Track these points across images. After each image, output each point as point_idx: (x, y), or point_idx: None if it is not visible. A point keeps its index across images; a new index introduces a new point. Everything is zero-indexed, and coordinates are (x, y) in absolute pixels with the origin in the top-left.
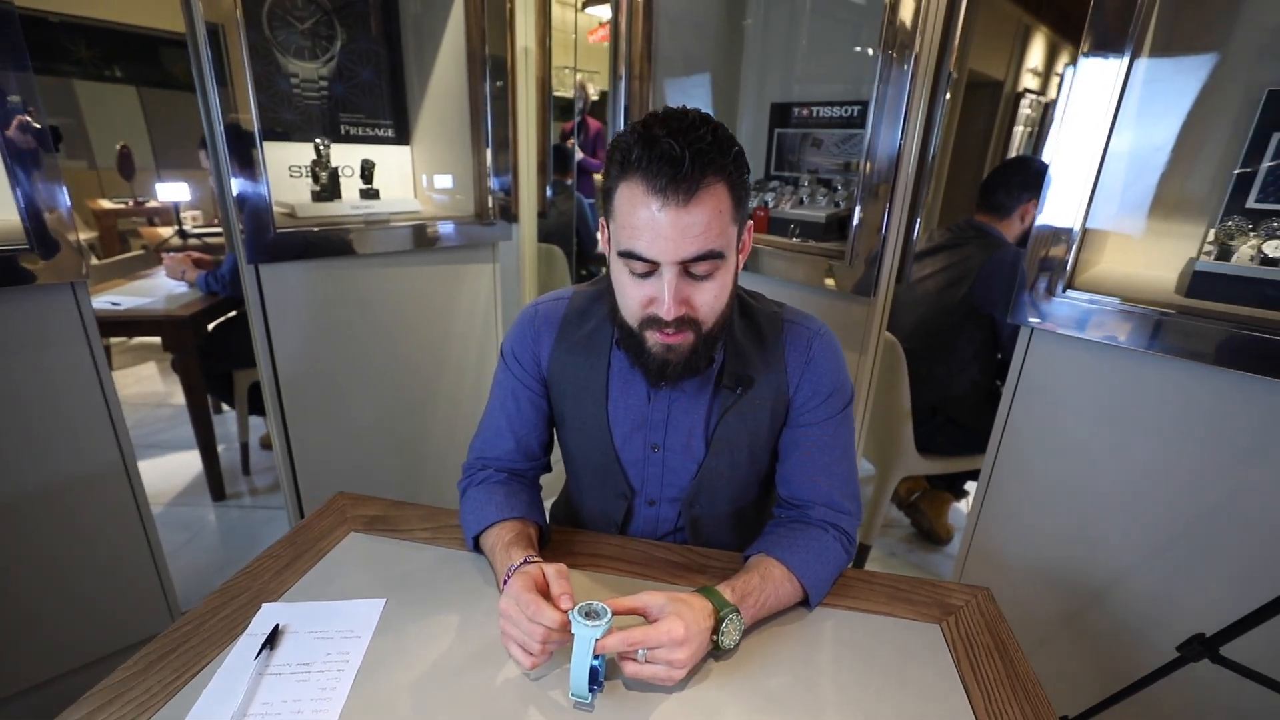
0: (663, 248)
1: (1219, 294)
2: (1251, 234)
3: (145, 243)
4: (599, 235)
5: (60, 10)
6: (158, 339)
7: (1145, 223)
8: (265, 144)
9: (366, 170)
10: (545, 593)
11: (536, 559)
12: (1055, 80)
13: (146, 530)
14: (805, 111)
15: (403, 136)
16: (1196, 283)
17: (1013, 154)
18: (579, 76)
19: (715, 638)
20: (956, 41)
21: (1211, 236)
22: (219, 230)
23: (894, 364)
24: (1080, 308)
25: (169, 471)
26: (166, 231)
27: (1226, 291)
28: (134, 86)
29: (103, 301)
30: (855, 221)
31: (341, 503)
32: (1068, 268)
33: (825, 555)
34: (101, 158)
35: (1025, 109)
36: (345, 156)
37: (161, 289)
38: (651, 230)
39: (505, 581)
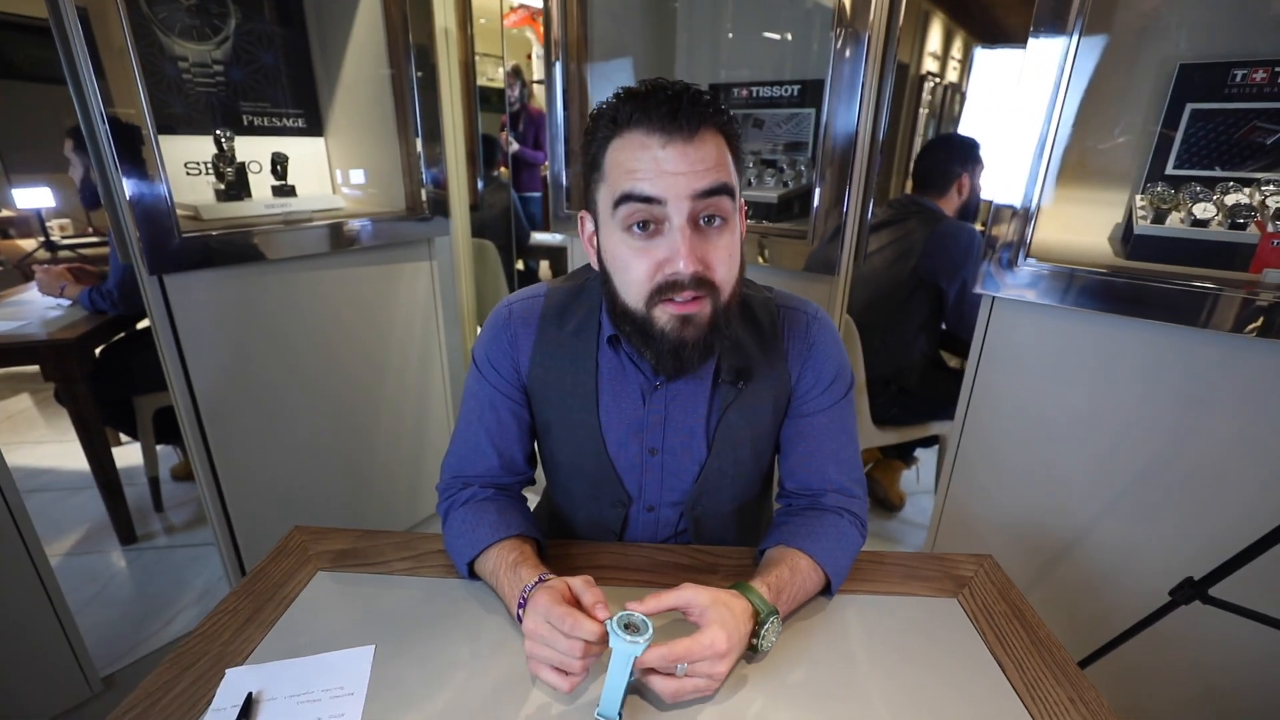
0: (669, 183)
1: (1157, 255)
2: (1177, 199)
3: (3, 258)
4: (580, 230)
5: None
6: (34, 368)
7: (1074, 191)
8: (158, 138)
9: (279, 164)
10: (574, 606)
11: (551, 575)
12: (952, 64)
13: (45, 584)
14: (745, 92)
15: (314, 127)
16: (1137, 245)
17: (919, 135)
18: (511, 64)
19: (753, 640)
20: (900, 23)
21: (1144, 203)
22: (96, 239)
23: (849, 341)
24: (1039, 275)
25: (62, 516)
26: (30, 244)
27: (1163, 252)
28: None
29: None
30: (815, 200)
31: (300, 539)
32: (1027, 239)
33: (844, 541)
34: None
35: (926, 94)
36: (251, 150)
37: (34, 310)
38: (655, 168)
39: (521, 604)
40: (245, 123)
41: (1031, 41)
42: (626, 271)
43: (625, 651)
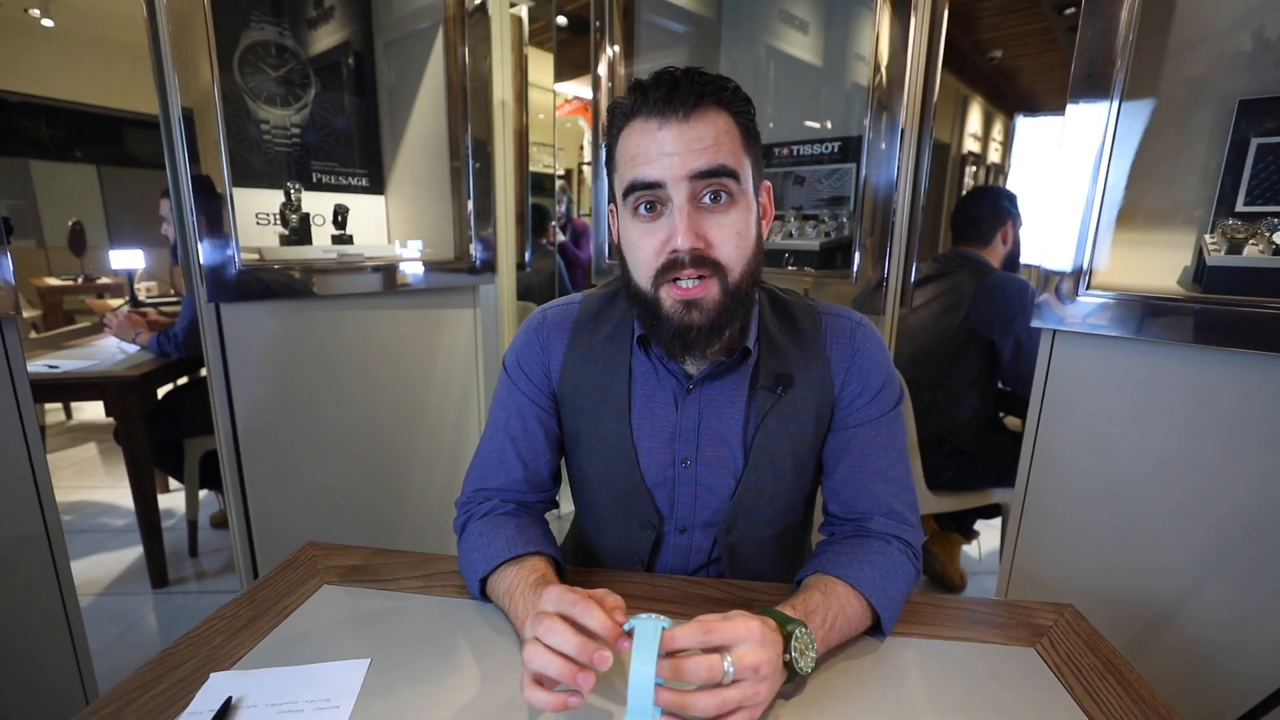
0: (666, 164)
1: (1233, 288)
2: (1251, 229)
3: (94, 318)
4: (611, 224)
5: (20, 90)
6: (100, 418)
7: (1133, 237)
8: (233, 190)
9: (339, 215)
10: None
11: None
12: (994, 145)
13: (71, 628)
14: (786, 151)
15: (376, 186)
16: (1211, 279)
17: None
18: (561, 177)
19: (787, 658)
20: (935, 102)
21: (1215, 238)
22: (175, 298)
23: None
24: (1105, 305)
25: (103, 557)
26: (117, 303)
27: (1241, 284)
28: (94, 165)
29: (38, 366)
30: (856, 252)
31: (311, 553)
32: (1086, 268)
33: (893, 572)
34: (52, 236)
35: (968, 178)
36: (317, 204)
37: (107, 353)
38: (654, 150)
39: None
40: (314, 180)
41: (1070, 108)
42: (635, 253)
43: (649, 630)
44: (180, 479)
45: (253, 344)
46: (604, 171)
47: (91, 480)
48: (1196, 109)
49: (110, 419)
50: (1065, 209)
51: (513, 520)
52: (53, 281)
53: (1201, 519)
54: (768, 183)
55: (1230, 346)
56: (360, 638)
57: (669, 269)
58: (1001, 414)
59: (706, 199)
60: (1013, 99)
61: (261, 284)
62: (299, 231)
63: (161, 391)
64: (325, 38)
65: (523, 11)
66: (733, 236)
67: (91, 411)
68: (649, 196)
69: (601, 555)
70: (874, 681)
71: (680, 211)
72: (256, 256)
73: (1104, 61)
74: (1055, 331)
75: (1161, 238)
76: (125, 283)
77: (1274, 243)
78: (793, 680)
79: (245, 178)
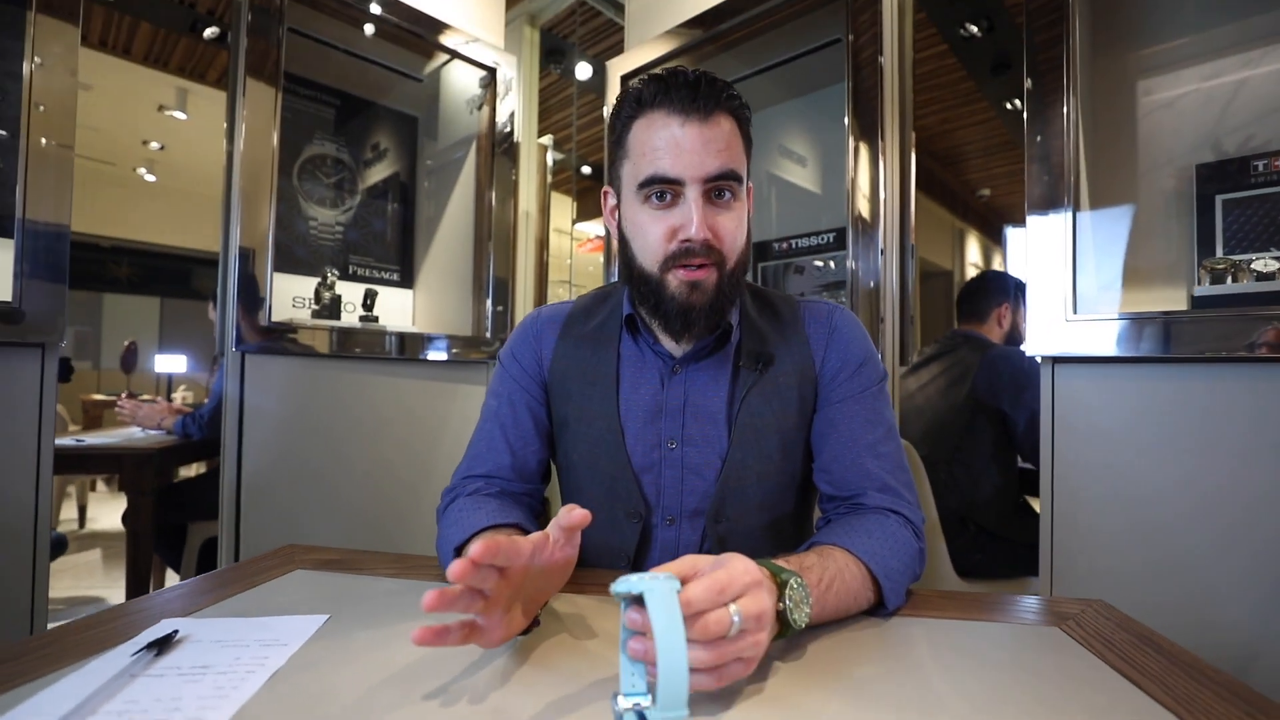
0: (687, 163)
1: None
2: (1231, 261)
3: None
4: (602, 205)
5: (112, 235)
6: (114, 526)
7: (1121, 296)
8: (275, 275)
9: (368, 298)
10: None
11: None
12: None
13: None
14: (784, 245)
15: (406, 281)
16: (1197, 307)
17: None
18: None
19: (780, 607)
20: (913, 219)
21: (1200, 273)
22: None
23: (913, 471)
24: (1093, 326)
25: None
26: (145, 396)
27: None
28: (158, 298)
29: (66, 440)
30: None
31: (291, 550)
32: (1073, 291)
33: (894, 542)
34: (108, 359)
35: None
36: (350, 294)
37: (129, 436)
38: (675, 147)
39: None
40: (350, 271)
41: (1030, 219)
42: (645, 237)
43: (664, 592)
44: (177, 568)
45: (271, 395)
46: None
47: (89, 580)
48: (1158, 185)
49: (122, 528)
50: (1050, 252)
51: (495, 500)
52: (97, 397)
53: (1244, 543)
54: (750, 184)
55: (1220, 358)
56: (324, 601)
57: (680, 255)
58: (1026, 497)
59: (715, 195)
60: (1003, 232)
61: (287, 340)
62: (330, 309)
63: (180, 477)
64: (379, 173)
65: (548, 160)
66: (733, 230)
67: (106, 520)
68: (664, 188)
69: (586, 552)
70: (878, 652)
71: (696, 206)
72: (287, 324)
73: (1056, 175)
74: (1054, 360)
75: (1147, 297)
76: (164, 384)
77: (1254, 271)
78: (785, 635)
79: (288, 264)
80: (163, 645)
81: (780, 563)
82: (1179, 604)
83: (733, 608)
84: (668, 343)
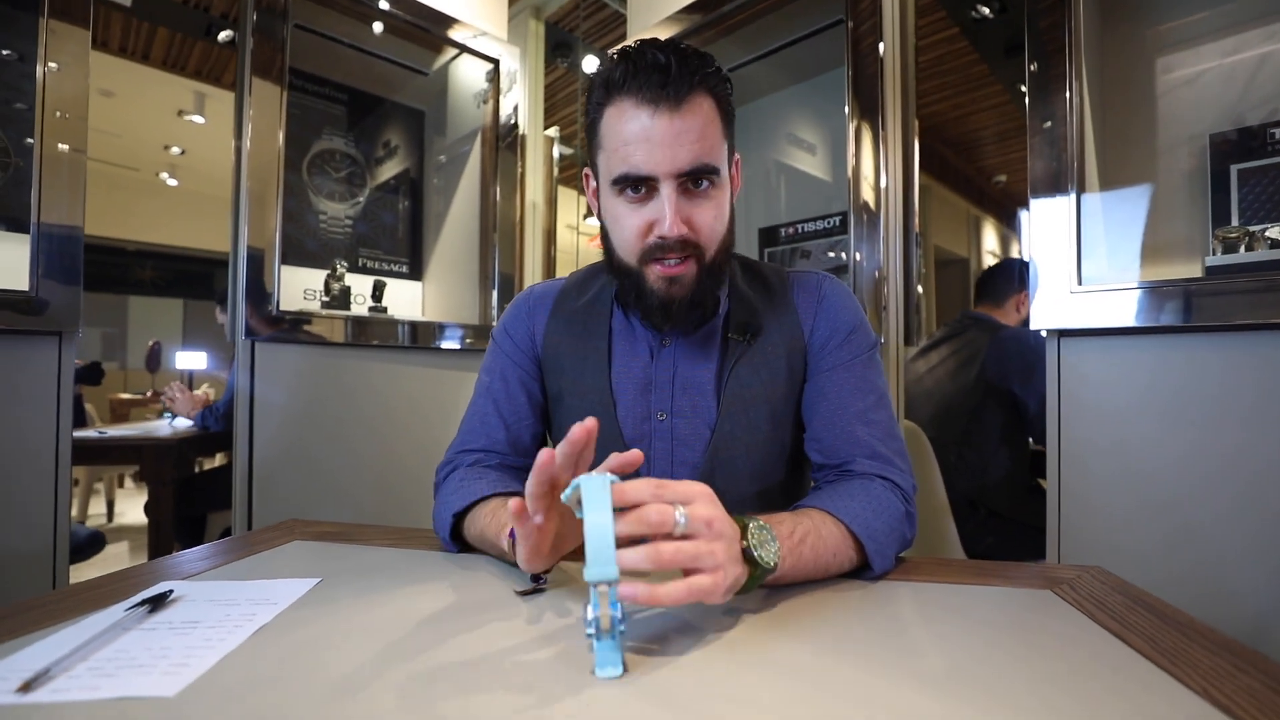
0: (659, 158)
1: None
2: (1245, 230)
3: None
4: (585, 187)
5: (136, 239)
6: (141, 520)
7: (1136, 274)
8: (284, 267)
9: (377, 289)
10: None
11: None
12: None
13: None
14: (791, 230)
15: (415, 273)
16: (1210, 278)
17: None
18: None
19: (744, 544)
20: (917, 205)
21: (1213, 244)
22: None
23: (920, 454)
24: (1098, 297)
25: None
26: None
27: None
28: (181, 300)
29: (89, 433)
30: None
31: (292, 524)
32: (1078, 263)
33: (876, 504)
34: (134, 359)
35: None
36: (360, 286)
37: (154, 429)
38: (646, 142)
39: (512, 535)
40: (360, 264)
41: (1034, 202)
42: (621, 230)
43: (599, 483)
44: None
45: (281, 384)
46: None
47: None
48: (1171, 153)
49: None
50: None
51: (494, 471)
52: (124, 396)
53: (1254, 517)
54: (737, 155)
55: (1229, 327)
56: (319, 567)
57: (655, 250)
58: (1039, 479)
59: (690, 186)
60: (1018, 219)
61: (296, 328)
62: (339, 300)
63: (201, 469)
64: (389, 168)
65: (554, 153)
66: (711, 220)
67: (133, 514)
68: (638, 194)
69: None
70: (860, 608)
71: (669, 202)
72: (298, 314)
73: (1063, 158)
74: (1060, 335)
75: (1163, 273)
76: (185, 381)
77: (1269, 239)
78: (757, 576)
79: (299, 257)
80: (156, 602)
81: (745, 517)
82: (1188, 577)
83: (679, 510)
84: None
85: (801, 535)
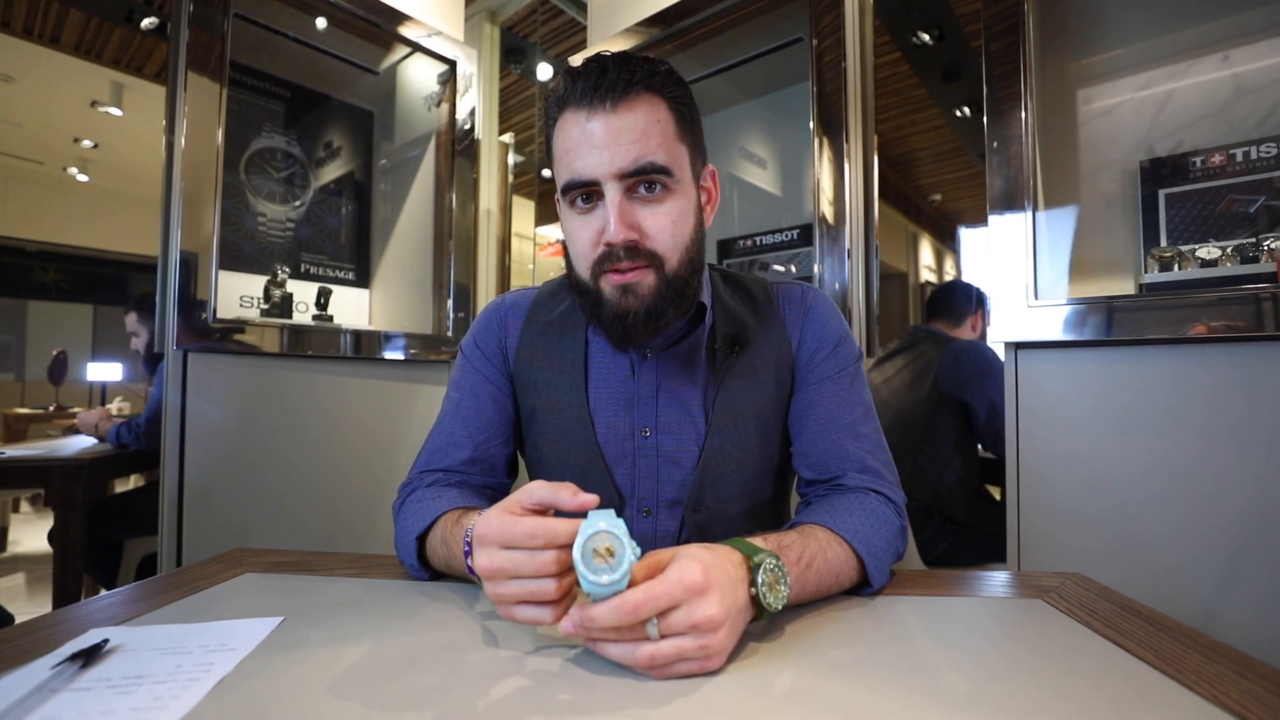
0: (597, 160)
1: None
2: (1177, 250)
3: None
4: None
5: (40, 239)
6: (41, 548)
7: (1071, 288)
8: (221, 273)
9: (322, 297)
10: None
11: None
12: (947, 274)
13: None
14: (749, 242)
15: (363, 280)
16: (1148, 294)
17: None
18: None
19: (753, 591)
20: (876, 231)
21: (1149, 262)
22: None
23: None
24: (1054, 311)
25: None
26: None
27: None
28: (91, 305)
29: None
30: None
31: (239, 554)
32: (1034, 278)
33: (874, 519)
34: (35, 370)
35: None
36: (302, 293)
37: (64, 447)
38: (584, 144)
39: (468, 551)
40: (302, 270)
41: (992, 218)
42: (574, 244)
43: (589, 590)
44: (112, 588)
45: (216, 397)
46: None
47: (10, 607)
48: (1108, 179)
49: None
50: (1009, 243)
51: (456, 490)
52: (22, 410)
53: (1206, 522)
54: (711, 167)
55: (1176, 339)
56: (277, 604)
57: (605, 260)
58: (987, 486)
59: (642, 190)
60: (955, 237)
61: (232, 338)
62: (280, 308)
63: (120, 490)
64: (333, 169)
65: (509, 160)
66: (668, 226)
67: (31, 542)
68: (584, 191)
69: None
70: (864, 629)
71: (613, 205)
72: (235, 322)
73: (1020, 176)
74: (1017, 347)
75: (1100, 287)
76: (97, 394)
77: (1199, 258)
78: (762, 618)
79: (235, 262)
80: (90, 656)
81: (757, 541)
82: (1142, 581)
83: (651, 624)
84: None
85: (808, 560)
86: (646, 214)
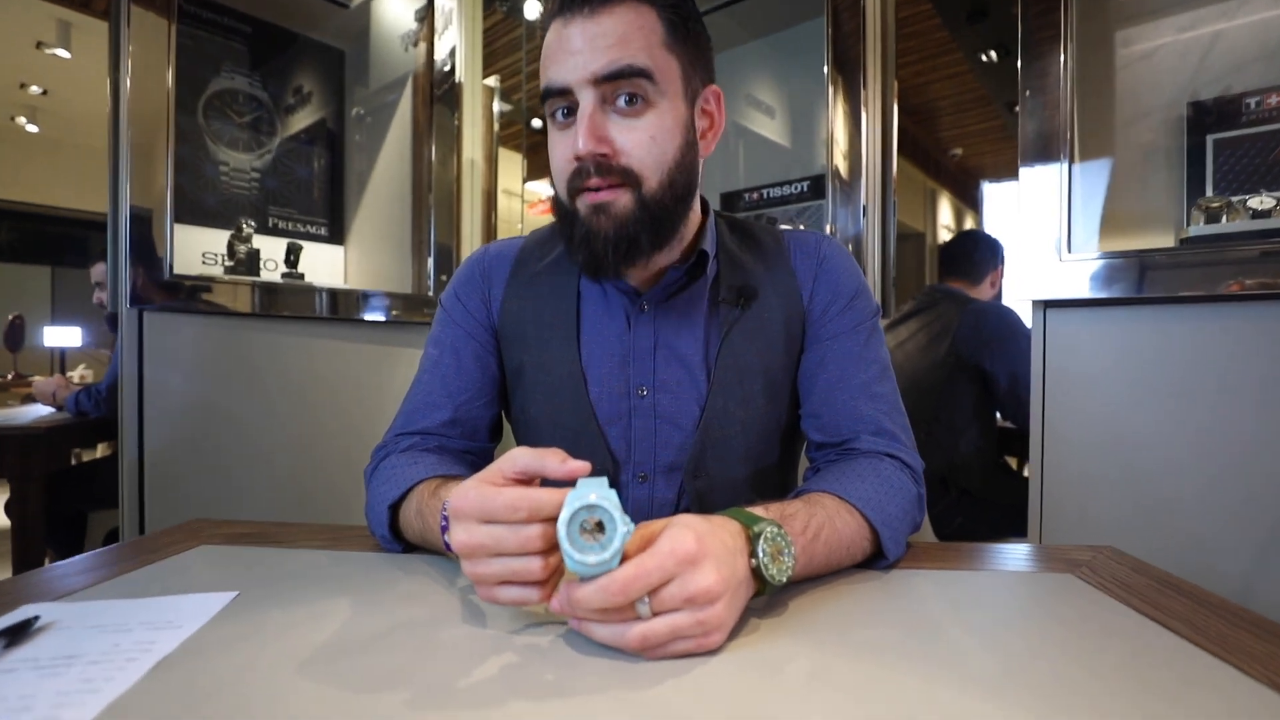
0: (572, 65)
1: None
2: (1226, 200)
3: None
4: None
5: None
6: None
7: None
8: (178, 226)
9: (292, 254)
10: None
11: None
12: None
13: None
14: (755, 195)
15: (336, 237)
16: (1189, 248)
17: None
18: None
19: (754, 563)
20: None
21: (1194, 212)
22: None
23: None
24: (1088, 265)
25: None
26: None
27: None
28: (49, 266)
29: None
30: None
31: (196, 525)
32: (1068, 231)
33: (890, 486)
34: None
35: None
36: (270, 249)
37: (20, 415)
38: (561, 51)
39: (445, 526)
40: (270, 224)
41: (1023, 170)
42: (552, 161)
43: (575, 570)
44: None
45: (177, 361)
46: None
47: None
48: (1150, 119)
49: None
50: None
51: (434, 455)
52: None
53: (1244, 492)
54: (716, 88)
55: (1217, 297)
56: (233, 578)
57: (577, 177)
58: (1006, 457)
59: (621, 102)
60: (977, 195)
61: (194, 296)
62: (246, 264)
63: (82, 460)
64: (302, 116)
65: (495, 108)
66: (645, 141)
67: None
68: (562, 103)
69: None
70: (882, 606)
71: (583, 116)
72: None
73: (1056, 122)
74: (1046, 305)
75: (1140, 244)
76: (56, 360)
77: (1251, 209)
78: (766, 592)
79: (195, 215)
80: (16, 634)
81: (758, 511)
82: (1175, 555)
83: (643, 604)
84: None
85: (815, 530)
86: (622, 126)
